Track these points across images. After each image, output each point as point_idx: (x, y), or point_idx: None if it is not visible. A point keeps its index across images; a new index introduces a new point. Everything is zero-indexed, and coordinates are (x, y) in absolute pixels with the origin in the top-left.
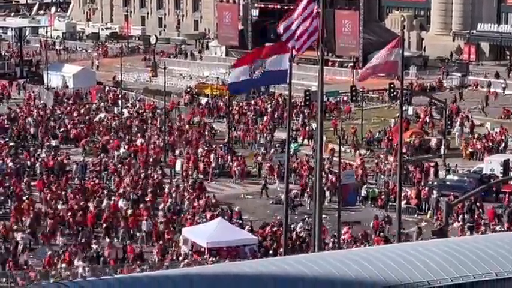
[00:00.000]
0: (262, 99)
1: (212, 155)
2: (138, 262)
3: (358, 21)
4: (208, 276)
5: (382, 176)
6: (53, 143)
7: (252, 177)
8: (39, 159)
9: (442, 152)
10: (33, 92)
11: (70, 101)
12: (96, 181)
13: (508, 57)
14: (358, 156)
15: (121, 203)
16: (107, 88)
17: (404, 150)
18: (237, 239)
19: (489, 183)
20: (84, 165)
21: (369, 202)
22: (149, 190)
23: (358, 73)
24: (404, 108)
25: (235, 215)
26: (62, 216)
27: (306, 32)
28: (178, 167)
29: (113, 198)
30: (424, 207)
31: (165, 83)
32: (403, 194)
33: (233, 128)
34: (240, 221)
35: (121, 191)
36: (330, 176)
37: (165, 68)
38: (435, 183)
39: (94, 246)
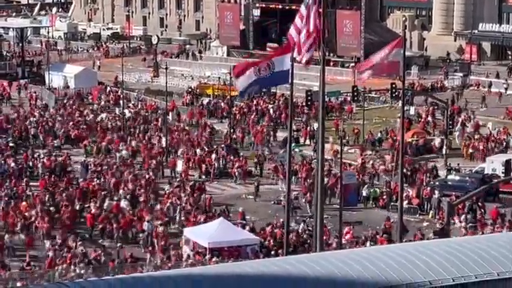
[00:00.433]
0: (264, 99)
1: (213, 155)
2: (141, 263)
3: (359, 21)
4: (210, 276)
5: (384, 176)
6: (55, 143)
7: (253, 177)
8: (41, 160)
9: (443, 152)
10: (34, 92)
11: (71, 101)
12: (97, 182)
13: (510, 57)
14: (359, 156)
15: (123, 203)
16: (108, 88)
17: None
18: (238, 239)
19: (491, 183)
20: (86, 166)
21: (371, 202)
22: (145, 191)
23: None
24: (406, 108)
25: (239, 215)
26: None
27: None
28: (179, 168)
29: (115, 198)
30: (425, 207)
31: (166, 83)
32: (404, 194)
33: (233, 129)
34: (244, 221)
35: (121, 191)
36: (328, 177)
37: (166, 68)
38: (437, 183)
39: (80, 249)
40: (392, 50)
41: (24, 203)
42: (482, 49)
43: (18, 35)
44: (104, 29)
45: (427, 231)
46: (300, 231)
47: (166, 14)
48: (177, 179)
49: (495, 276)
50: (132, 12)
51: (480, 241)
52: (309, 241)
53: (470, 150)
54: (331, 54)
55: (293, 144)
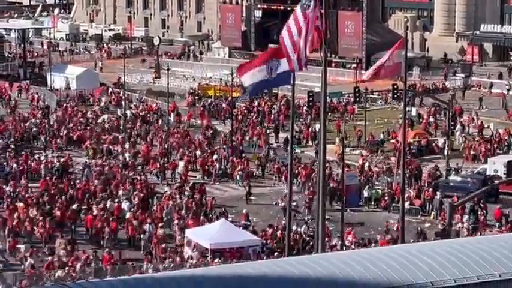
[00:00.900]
0: (266, 101)
1: (215, 156)
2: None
3: (361, 22)
4: (212, 277)
5: (385, 177)
6: (58, 144)
7: (255, 178)
8: (43, 162)
9: (445, 153)
10: (36, 93)
11: (71, 103)
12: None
13: None
14: (361, 157)
15: (124, 205)
16: (110, 89)
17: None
18: (240, 240)
19: (492, 184)
20: (88, 167)
21: (373, 203)
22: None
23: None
24: (407, 109)
25: (243, 217)
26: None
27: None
28: (180, 169)
29: (116, 200)
30: (427, 208)
31: (168, 84)
32: (406, 195)
33: (235, 131)
34: (248, 223)
35: (121, 192)
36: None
37: (168, 70)
38: (439, 183)
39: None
40: (394, 52)
41: (21, 204)
42: (484, 50)
43: (20, 36)
44: (105, 30)
45: (428, 232)
46: (302, 233)
47: (168, 15)
48: (177, 181)
49: (497, 278)
50: (134, 13)
51: (482, 242)
52: (311, 243)
53: (472, 152)
54: (333, 55)
55: (295, 146)
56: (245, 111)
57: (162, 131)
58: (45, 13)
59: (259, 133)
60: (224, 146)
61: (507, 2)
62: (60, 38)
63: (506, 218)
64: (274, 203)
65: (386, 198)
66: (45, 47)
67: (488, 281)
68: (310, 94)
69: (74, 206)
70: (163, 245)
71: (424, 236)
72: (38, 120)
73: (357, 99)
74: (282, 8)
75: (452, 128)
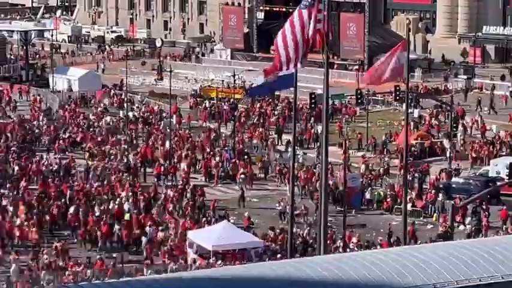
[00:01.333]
0: (269, 102)
1: (217, 158)
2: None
3: (363, 24)
4: (215, 279)
5: (388, 179)
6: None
7: (257, 180)
8: (44, 163)
9: (448, 154)
10: (38, 95)
11: (72, 105)
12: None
13: None
14: (363, 159)
15: (126, 206)
16: (112, 91)
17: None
18: (242, 242)
19: (495, 186)
20: (88, 170)
21: (375, 205)
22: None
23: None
24: (409, 111)
25: (245, 221)
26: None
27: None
28: (182, 171)
29: (117, 202)
30: (429, 210)
31: (170, 86)
32: (408, 197)
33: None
34: (252, 225)
35: (123, 194)
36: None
37: (170, 71)
38: (441, 186)
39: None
40: (397, 55)
41: (22, 207)
42: (486, 52)
43: (22, 38)
44: (107, 32)
45: (431, 234)
46: (304, 235)
47: (170, 17)
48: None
49: (499, 279)
50: (136, 15)
51: (484, 244)
52: (315, 246)
53: (474, 155)
54: (335, 57)
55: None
56: (243, 113)
57: (163, 133)
58: (47, 15)
59: (260, 136)
60: (226, 148)
61: (509, 4)
62: (62, 39)
63: None
64: (277, 204)
65: (388, 200)
66: (46, 48)
67: (491, 282)
68: (313, 96)
69: (72, 209)
70: (165, 248)
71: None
72: (40, 122)
73: (359, 101)
74: (284, 9)
75: (454, 129)
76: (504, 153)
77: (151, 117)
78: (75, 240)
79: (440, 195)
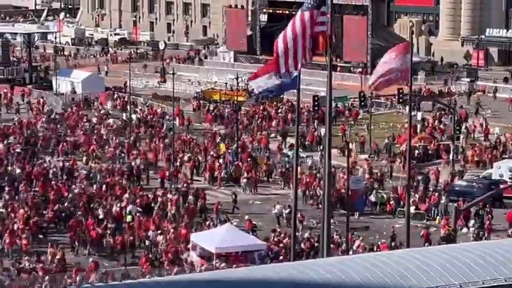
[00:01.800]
0: (272, 105)
1: (221, 161)
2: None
3: (366, 27)
4: (218, 281)
5: (390, 181)
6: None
7: (260, 182)
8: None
9: (451, 157)
10: (42, 97)
11: (74, 108)
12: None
13: None
14: (366, 162)
15: (130, 208)
16: (116, 94)
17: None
18: (245, 245)
19: (498, 189)
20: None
21: (378, 208)
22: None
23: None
24: (412, 114)
25: (247, 225)
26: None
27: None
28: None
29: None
30: (432, 212)
31: (173, 88)
32: (412, 200)
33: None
34: (256, 228)
35: (126, 195)
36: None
37: (173, 74)
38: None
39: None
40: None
41: (21, 210)
42: (489, 54)
43: (25, 41)
44: (111, 35)
45: (434, 236)
46: (306, 238)
47: (174, 20)
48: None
49: (502, 282)
50: (139, 17)
51: (487, 246)
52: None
53: (476, 158)
54: (338, 60)
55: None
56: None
57: (164, 136)
58: (50, 17)
59: (261, 139)
60: (229, 151)
61: None
62: (65, 42)
63: None
64: (286, 205)
65: (392, 202)
66: (48, 51)
67: (494, 285)
68: (316, 98)
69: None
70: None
71: None
72: (44, 125)
73: (362, 103)
74: (287, 12)
75: (457, 132)
76: (507, 156)
77: (154, 119)
78: (77, 244)
79: (443, 197)
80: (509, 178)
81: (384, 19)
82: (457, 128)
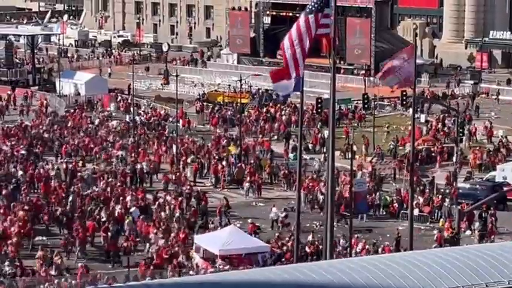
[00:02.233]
0: (276, 107)
1: (223, 163)
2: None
3: (369, 29)
4: (220, 283)
5: (394, 184)
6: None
7: (264, 184)
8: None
9: (454, 159)
10: (45, 99)
11: (77, 110)
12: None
13: None
14: (370, 164)
15: (132, 211)
16: (119, 97)
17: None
18: (249, 247)
19: (501, 191)
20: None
21: (381, 210)
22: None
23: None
24: (416, 116)
25: (250, 228)
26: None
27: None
28: (188, 174)
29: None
30: (436, 215)
31: (177, 90)
32: (415, 202)
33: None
34: (259, 230)
35: (129, 198)
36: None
37: (177, 76)
38: (447, 191)
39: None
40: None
41: (21, 212)
42: (493, 57)
43: (29, 42)
44: (114, 37)
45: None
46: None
47: (177, 22)
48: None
49: (506, 285)
50: (143, 19)
51: (490, 249)
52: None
53: (478, 162)
54: (341, 62)
55: (293, 154)
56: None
57: (168, 137)
58: (54, 19)
59: (263, 142)
60: (232, 153)
61: None
62: (69, 44)
63: None
64: (283, 209)
65: (395, 204)
66: (50, 52)
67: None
68: (319, 101)
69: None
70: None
71: None
72: (48, 127)
73: (366, 105)
74: (290, 14)
75: (461, 134)
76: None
77: (157, 121)
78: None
79: (447, 200)
80: None
81: (388, 21)
82: (461, 130)
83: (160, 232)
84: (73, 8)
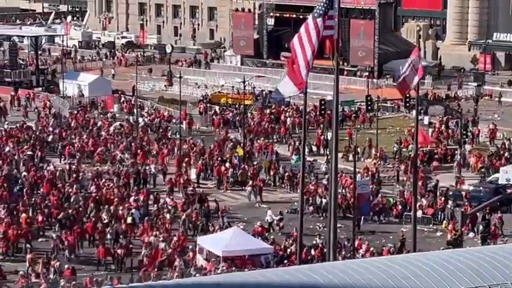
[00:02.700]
0: (282, 109)
1: (227, 164)
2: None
3: (373, 31)
4: (223, 284)
5: (397, 186)
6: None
7: (267, 185)
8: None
9: (456, 161)
10: (49, 101)
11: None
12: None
13: None
14: (373, 166)
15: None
16: (122, 98)
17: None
18: (252, 248)
19: (505, 194)
20: (99, 174)
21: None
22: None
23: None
24: (419, 118)
25: (260, 230)
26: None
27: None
28: (192, 176)
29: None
30: (439, 217)
31: (180, 92)
32: (418, 204)
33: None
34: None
35: (133, 198)
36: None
37: (180, 77)
38: (450, 193)
39: None
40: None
41: (24, 214)
42: (496, 59)
43: (32, 44)
44: (118, 38)
45: (440, 241)
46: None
47: (181, 23)
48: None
49: (509, 286)
50: (147, 21)
51: (493, 251)
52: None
53: (480, 165)
54: (345, 64)
55: (296, 156)
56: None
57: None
58: (58, 20)
59: (264, 145)
60: (235, 155)
61: None
62: (72, 45)
63: None
64: (286, 211)
65: (399, 207)
66: (53, 53)
67: None
68: (322, 102)
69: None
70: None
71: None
72: (51, 128)
73: (369, 107)
74: (294, 16)
75: (464, 137)
76: None
77: (160, 123)
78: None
79: (450, 202)
80: None
81: (391, 23)
82: (464, 132)
83: (161, 235)
84: (77, 9)
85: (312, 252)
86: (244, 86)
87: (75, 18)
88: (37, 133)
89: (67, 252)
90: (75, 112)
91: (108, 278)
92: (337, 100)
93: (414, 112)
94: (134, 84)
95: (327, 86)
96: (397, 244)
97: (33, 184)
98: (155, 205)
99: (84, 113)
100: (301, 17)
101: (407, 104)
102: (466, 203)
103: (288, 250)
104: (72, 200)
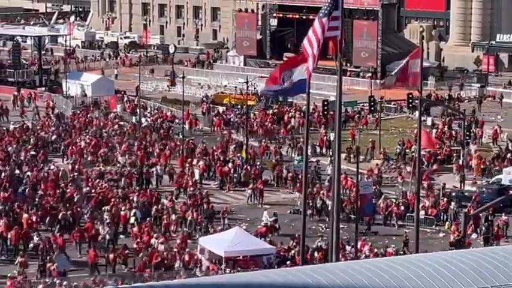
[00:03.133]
0: (286, 110)
1: (230, 164)
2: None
3: (376, 32)
4: (224, 285)
5: (400, 186)
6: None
7: (269, 186)
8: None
9: (460, 162)
10: (52, 101)
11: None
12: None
13: None
14: (376, 167)
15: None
16: (125, 98)
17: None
18: (254, 249)
19: (508, 195)
20: (102, 174)
21: (387, 213)
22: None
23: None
24: (422, 119)
25: (265, 231)
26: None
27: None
28: (196, 177)
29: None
30: (442, 218)
31: (183, 92)
32: (421, 205)
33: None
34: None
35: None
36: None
37: (183, 78)
38: (453, 193)
39: None
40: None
41: (25, 215)
42: (499, 60)
43: (36, 44)
44: (121, 38)
45: (443, 242)
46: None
47: (184, 23)
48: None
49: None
50: (150, 21)
51: (496, 252)
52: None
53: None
54: (348, 64)
55: (299, 157)
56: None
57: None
58: (61, 20)
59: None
60: (238, 155)
61: None
62: (76, 45)
63: None
64: (288, 211)
65: (402, 207)
66: (56, 53)
67: None
68: (325, 103)
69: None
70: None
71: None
72: (53, 128)
73: (372, 108)
74: (297, 16)
75: (467, 138)
76: None
77: (163, 123)
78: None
79: (453, 203)
80: None
81: (394, 24)
82: (467, 133)
83: (161, 237)
84: (80, 9)
85: (315, 254)
86: (247, 87)
87: (78, 18)
88: (34, 133)
89: (56, 254)
90: (78, 112)
91: (113, 280)
92: (340, 101)
93: (417, 113)
94: (137, 85)
95: (330, 86)
96: (401, 245)
97: (36, 184)
98: (155, 206)
99: (87, 113)
100: (304, 17)
101: (410, 105)
102: (471, 205)
103: (292, 252)
104: (76, 200)
